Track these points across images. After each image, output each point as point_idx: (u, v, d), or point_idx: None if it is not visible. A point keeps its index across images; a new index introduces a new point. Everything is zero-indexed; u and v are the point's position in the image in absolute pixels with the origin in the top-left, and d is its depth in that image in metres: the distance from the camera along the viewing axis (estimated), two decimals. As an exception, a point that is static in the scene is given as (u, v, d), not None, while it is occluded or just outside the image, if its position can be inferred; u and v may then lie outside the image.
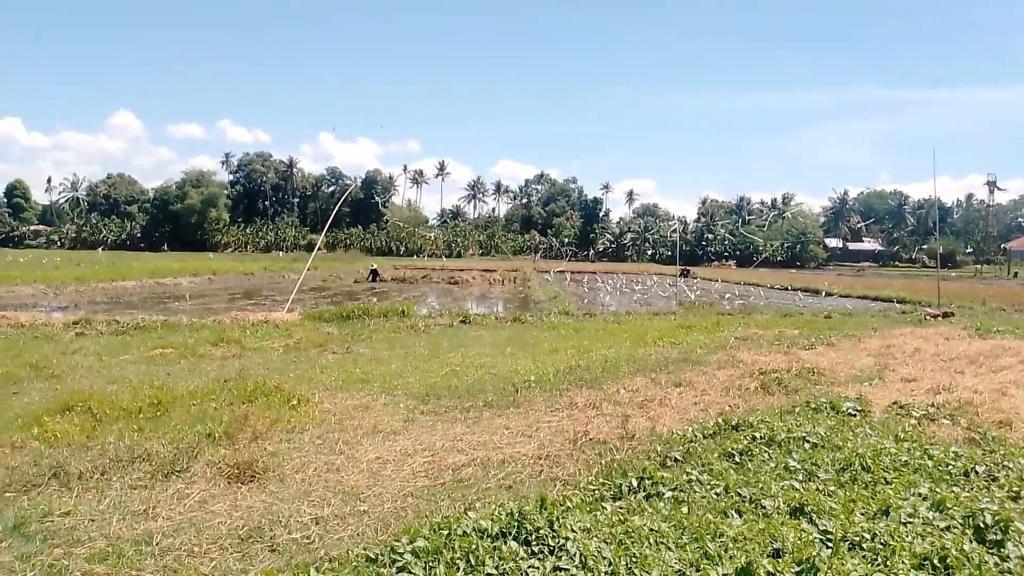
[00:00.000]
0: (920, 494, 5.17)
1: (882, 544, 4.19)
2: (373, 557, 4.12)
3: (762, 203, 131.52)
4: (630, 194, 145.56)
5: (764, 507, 4.90)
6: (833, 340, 15.79)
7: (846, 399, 8.66)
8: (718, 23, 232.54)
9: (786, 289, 41.83)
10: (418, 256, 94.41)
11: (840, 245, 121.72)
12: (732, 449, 6.39)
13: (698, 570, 3.88)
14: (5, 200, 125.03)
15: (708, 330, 18.07)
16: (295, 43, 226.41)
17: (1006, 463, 6.00)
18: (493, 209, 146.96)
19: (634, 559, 3.96)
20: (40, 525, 4.90)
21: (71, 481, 5.72)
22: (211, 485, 5.76)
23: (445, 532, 4.25)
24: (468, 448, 6.94)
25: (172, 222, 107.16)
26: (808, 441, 6.59)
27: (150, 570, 4.31)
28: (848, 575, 3.73)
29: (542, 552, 4.08)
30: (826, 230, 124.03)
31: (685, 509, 4.88)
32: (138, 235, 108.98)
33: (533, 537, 4.21)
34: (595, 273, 60.74)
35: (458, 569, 3.89)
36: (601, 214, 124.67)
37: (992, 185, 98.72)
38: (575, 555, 4.01)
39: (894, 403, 8.80)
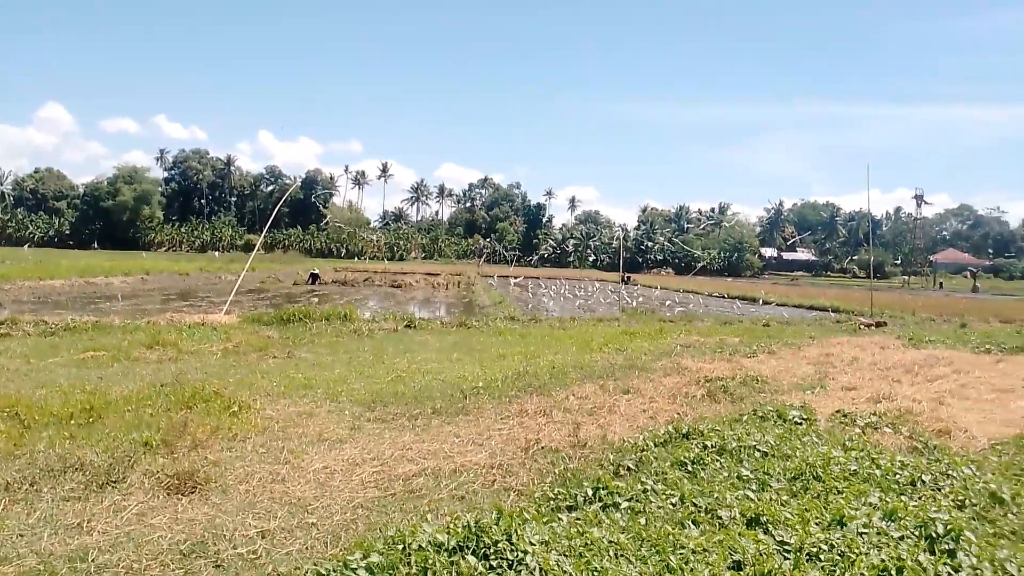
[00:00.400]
0: (871, 503, 5.23)
1: (839, 555, 4.20)
2: (324, 573, 3.95)
3: (700, 212, 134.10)
4: (572, 200, 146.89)
5: (720, 517, 4.88)
6: (773, 348, 16.07)
7: (792, 407, 8.78)
8: (660, 36, 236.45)
9: (723, 297, 42.54)
10: (359, 258, 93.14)
11: (775, 255, 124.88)
12: (684, 458, 6.38)
13: (661, 584, 3.83)
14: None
15: (652, 336, 18.24)
16: (233, 38, 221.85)
17: (950, 472, 6.14)
18: (436, 212, 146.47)
19: (595, 573, 3.88)
20: (-38, 542, 4.58)
21: (-3, 493, 5.38)
22: (149, 496, 5.48)
23: (400, 546, 4.10)
24: (418, 457, 6.79)
25: (103, 219, 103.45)
26: (758, 450, 6.63)
27: (84, 589, 4.06)
28: (810, 588, 3.72)
29: (500, 567, 3.97)
30: (761, 240, 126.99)
31: (643, 520, 4.83)
32: (67, 232, 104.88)
33: (491, 551, 4.08)
34: (539, 278, 60.88)
35: (415, 586, 3.76)
36: (544, 220, 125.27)
37: (920, 199, 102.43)
38: (534, 569, 3.91)
39: (837, 411, 8.96)
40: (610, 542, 4.34)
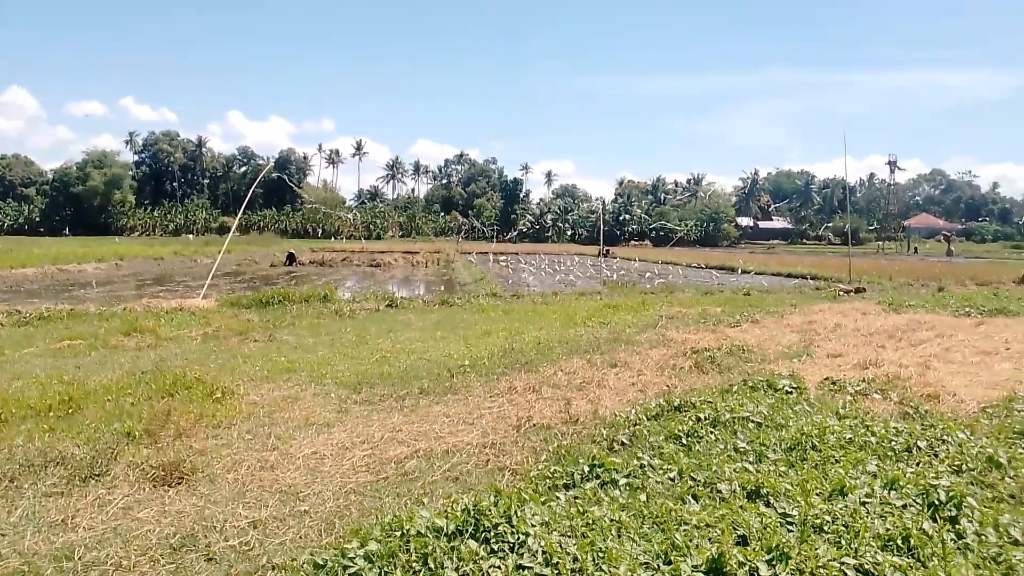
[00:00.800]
0: (870, 471, 5.21)
1: (844, 526, 4.16)
2: (322, 563, 3.84)
3: (676, 183, 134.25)
4: (549, 175, 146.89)
5: (720, 491, 4.83)
6: (756, 317, 16.08)
7: (781, 377, 8.77)
8: (634, 6, 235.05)
9: (702, 267, 42.69)
10: (336, 238, 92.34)
11: (751, 224, 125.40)
12: (678, 431, 6.33)
13: (668, 563, 3.75)
14: None
15: (634, 309, 18.20)
16: (200, 17, 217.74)
17: (944, 437, 6.13)
18: (413, 190, 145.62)
19: (600, 553, 3.80)
20: (-59, 543, 4.42)
21: (-26, 491, 5.20)
22: (135, 489, 5.33)
23: (398, 533, 4.00)
24: (409, 439, 6.67)
25: (74, 205, 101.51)
26: (752, 421, 6.59)
27: (72, 588, 3.92)
28: (819, 560, 3.67)
29: (502, 550, 3.88)
30: (737, 209, 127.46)
31: (643, 496, 4.76)
32: (37, 219, 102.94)
33: (491, 534, 3.99)
34: (518, 254, 60.73)
35: (416, 573, 3.66)
36: (522, 195, 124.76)
37: (893, 165, 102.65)
38: (537, 552, 3.82)
39: (826, 379, 8.97)
40: (611, 520, 4.27)
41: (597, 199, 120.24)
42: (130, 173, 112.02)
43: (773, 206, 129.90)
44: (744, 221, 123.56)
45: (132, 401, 7.93)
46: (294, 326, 14.76)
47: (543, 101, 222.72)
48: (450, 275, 36.64)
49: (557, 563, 3.72)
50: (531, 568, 3.70)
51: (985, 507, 4.64)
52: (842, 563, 3.69)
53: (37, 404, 7.60)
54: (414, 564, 3.72)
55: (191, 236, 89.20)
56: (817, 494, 4.72)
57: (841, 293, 23.44)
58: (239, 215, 32.62)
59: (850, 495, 4.62)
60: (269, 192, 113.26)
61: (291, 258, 44.35)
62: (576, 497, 4.80)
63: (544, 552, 3.81)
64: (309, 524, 4.78)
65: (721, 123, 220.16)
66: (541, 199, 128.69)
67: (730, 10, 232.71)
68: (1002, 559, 3.95)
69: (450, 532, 4.02)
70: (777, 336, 13.25)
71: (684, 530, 4.14)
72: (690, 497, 4.76)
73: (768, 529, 4.10)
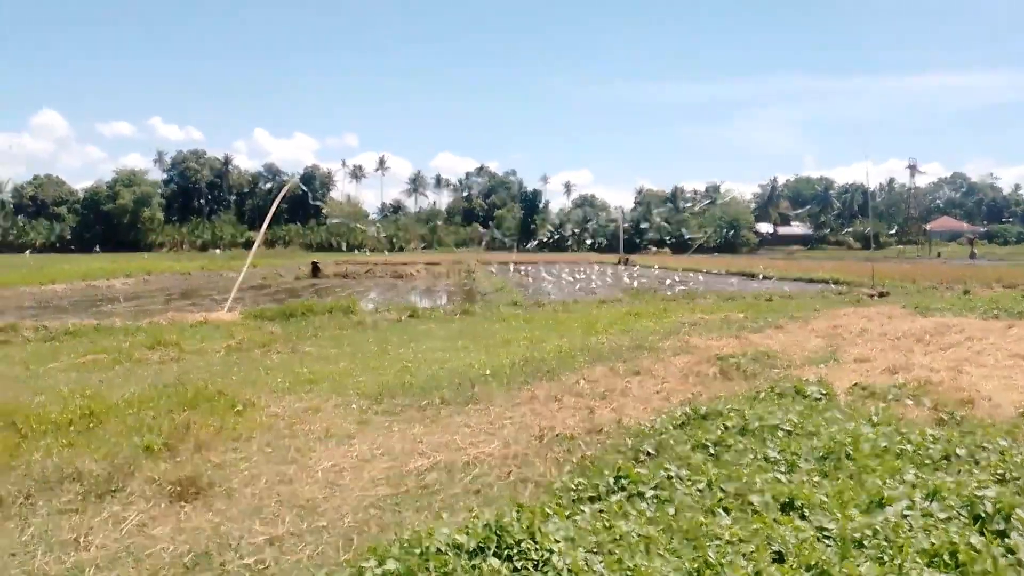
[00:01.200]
0: (908, 481, 4.99)
1: (886, 541, 3.95)
2: (339, 582, 3.71)
3: (694, 191, 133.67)
4: (567, 185, 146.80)
5: (752, 503, 4.64)
6: (780, 322, 15.80)
7: (809, 383, 8.54)
8: (649, 14, 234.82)
9: (722, 274, 42.28)
10: (359, 251, 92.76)
11: (770, 230, 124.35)
12: (705, 440, 6.14)
13: (700, 581, 3.58)
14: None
15: (656, 316, 17.98)
16: (225, 37, 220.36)
17: (984, 444, 5.88)
18: (434, 202, 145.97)
19: (628, 572, 3.63)
20: (-49, 565, 4.34)
21: (-10, 509, 5.13)
22: (151, 505, 5.23)
23: (417, 551, 3.86)
24: (429, 450, 6.54)
25: (104, 223, 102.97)
26: (782, 429, 6.39)
27: (83, 609, 3.82)
28: (860, 579, 3.48)
29: (526, 568, 3.72)
30: (757, 216, 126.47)
31: (671, 509, 4.58)
32: (68, 237, 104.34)
33: (514, 551, 3.84)
34: (538, 263, 60.56)
35: (436, 593, 3.52)
36: (541, 205, 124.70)
37: (913, 169, 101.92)
38: (562, 570, 3.66)
39: (855, 384, 8.72)
40: (639, 536, 4.10)
41: (616, 208, 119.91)
42: (159, 191, 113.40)
43: (792, 213, 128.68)
44: (763, 227, 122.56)
45: (153, 414, 7.85)
46: (316, 337, 14.72)
47: (561, 112, 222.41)
48: (471, 285, 36.55)
49: (583, 582, 3.57)
50: (556, 587, 3.55)
51: (1035, 518, 4.41)
52: (887, 581, 3.50)
53: (58, 419, 7.55)
54: (434, 583, 3.58)
55: (218, 251, 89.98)
56: (854, 506, 4.52)
57: (865, 297, 23.06)
58: (263, 229, 32.73)
59: (890, 507, 4.41)
60: (294, 207, 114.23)
61: (315, 268, 44.58)
62: (601, 511, 4.63)
63: (569, 570, 3.65)
64: (327, 540, 4.65)
65: (738, 130, 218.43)
66: (560, 209, 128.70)
67: (744, 17, 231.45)
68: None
69: (471, 549, 3.87)
70: (802, 341, 12.98)
71: (716, 546, 3.96)
72: (721, 510, 4.58)
73: (805, 545, 3.91)
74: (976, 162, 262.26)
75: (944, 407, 7.50)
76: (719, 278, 39.24)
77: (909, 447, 5.79)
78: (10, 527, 4.87)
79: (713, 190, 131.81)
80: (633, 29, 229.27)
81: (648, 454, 6.06)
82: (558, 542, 3.95)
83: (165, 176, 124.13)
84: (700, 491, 4.96)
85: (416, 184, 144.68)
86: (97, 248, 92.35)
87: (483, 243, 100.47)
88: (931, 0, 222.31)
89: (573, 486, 5.21)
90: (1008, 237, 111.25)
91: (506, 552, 3.84)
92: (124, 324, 16.73)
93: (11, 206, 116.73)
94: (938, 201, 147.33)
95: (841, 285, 29.45)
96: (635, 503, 4.76)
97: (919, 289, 26.74)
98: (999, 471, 5.27)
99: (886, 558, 3.76)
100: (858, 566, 3.61)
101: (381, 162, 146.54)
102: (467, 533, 4.04)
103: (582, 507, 4.74)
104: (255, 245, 29.64)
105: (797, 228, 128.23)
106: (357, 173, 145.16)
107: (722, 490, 4.93)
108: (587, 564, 3.70)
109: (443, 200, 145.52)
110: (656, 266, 53.44)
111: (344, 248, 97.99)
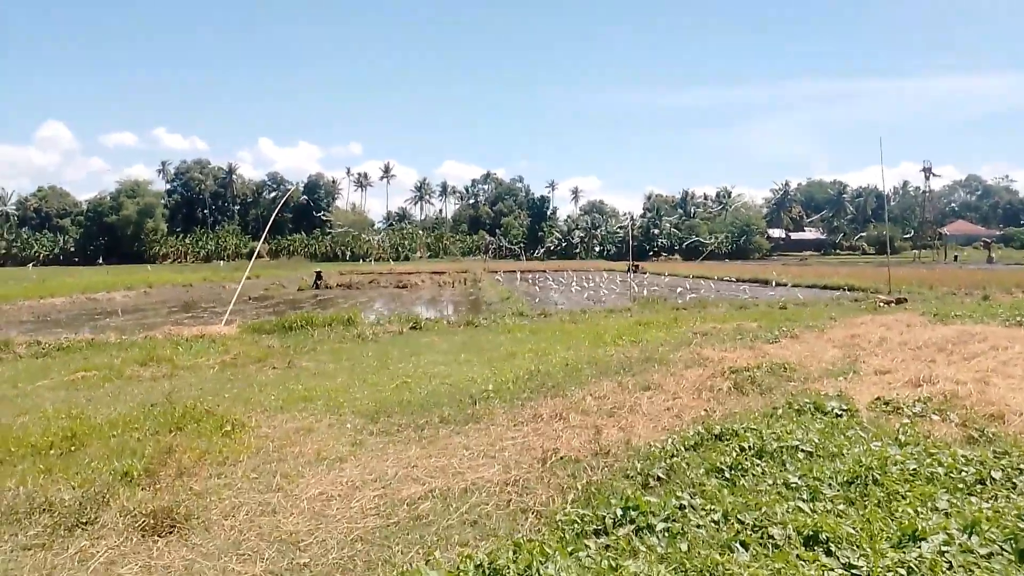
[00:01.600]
0: (940, 509, 4.57)
1: (924, 583, 3.54)
2: (313, 635, 3.31)
3: (705, 196, 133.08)
4: (575, 191, 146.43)
5: (773, 537, 4.22)
6: (795, 332, 15.33)
7: (829, 398, 8.10)
8: (657, 20, 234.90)
9: (734, 281, 41.75)
10: (364, 260, 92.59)
11: (783, 235, 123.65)
12: (720, 463, 5.72)
13: (717, 636, 3.17)
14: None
15: (666, 326, 17.53)
16: (229, 46, 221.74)
17: (1021, 466, 5.44)
18: (440, 210, 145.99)
19: (637, 624, 3.23)
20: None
21: (-49, 546, 4.75)
22: (122, 540, 4.84)
23: (401, 597, 3.47)
24: (424, 476, 6.14)
25: (108, 234, 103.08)
26: (802, 450, 5.96)
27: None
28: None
29: (522, 618, 3.33)
30: (769, 221, 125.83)
31: (684, 546, 4.16)
32: (72, 249, 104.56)
33: (509, 598, 3.44)
34: (546, 272, 60.17)
35: (419, 650, 3.12)
36: (548, 212, 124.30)
37: (928, 172, 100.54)
38: (563, 620, 3.26)
39: (877, 399, 8.27)
40: (649, 578, 3.69)
41: (625, 214, 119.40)
42: (162, 202, 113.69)
43: (806, 219, 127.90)
44: (776, 233, 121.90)
45: (138, 436, 7.52)
46: (315, 351, 14.35)
47: (568, 118, 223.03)
48: (477, 295, 36.18)
49: (586, 635, 3.16)
50: (555, 642, 3.14)
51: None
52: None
53: (39, 441, 7.24)
54: (418, 638, 3.17)
55: (221, 262, 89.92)
56: (885, 539, 4.09)
57: (881, 304, 22.53)
58: (262, 239, 32.58)
59: (924, 542, 3.98)
60: (299, 217, 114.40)
61: (319, 278, 44.25)
62: (608, 546, 4.22)
63: (570, 621, 3.25)
64: (307, 580, 4.26)
65: (749, 135, 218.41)
66: (568, 216, 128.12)
67: (754, 22, 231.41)
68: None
69: (461, 596, 3.47)
70: (819, 352, 12.51)
71: (734, 589, 3.55)
72: (738, 545, 4.16)
73: (833, 587, 3.49)
74: (992, 164, 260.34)
75: (973, 423, 7.05)
76: (731, 285, 38.73)
77: (940, 470, 5.35)
78: (-33, 566, 4.49)
79: (724, 195, 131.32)
80: (642, 34, 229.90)
81: (659, 479, 5.64)
82: (559, 586, 3.54)
83: (169, 187, 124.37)
84: (715, 523, 4.54)
85: (422, 192, 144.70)
86: (100, 261, 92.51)
87: (489, 251, 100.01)
88: (943, 3, 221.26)
89: (577, 518, 4.79)
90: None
91: (500, 600, 3.43)
92: (119, 339, 16.42)
93: (15, 219, 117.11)
94: (953, 204, 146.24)
95: (857, 292, 28.95)
96: (644, 537, 4.35)
97: (937, 295, 26.17)
98: (1041, 498, 4.84)
99: (927, 606, 3.34)
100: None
101: (386, 170, 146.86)
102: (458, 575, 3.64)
103: (587, 542, 4.33)
104: (254, 256, 29.38)
105: (810, 233, 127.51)
106: (362, 181, 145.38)
107: (739, 521, 4.51)
108: (590, 615, 3.29)
109: (449, 208, 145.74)
110: (666, 273, 52.93)
111: (349, 258, 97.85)
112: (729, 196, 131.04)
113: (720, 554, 4.02)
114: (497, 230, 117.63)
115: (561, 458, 6.43)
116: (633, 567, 3.79)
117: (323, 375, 11.52)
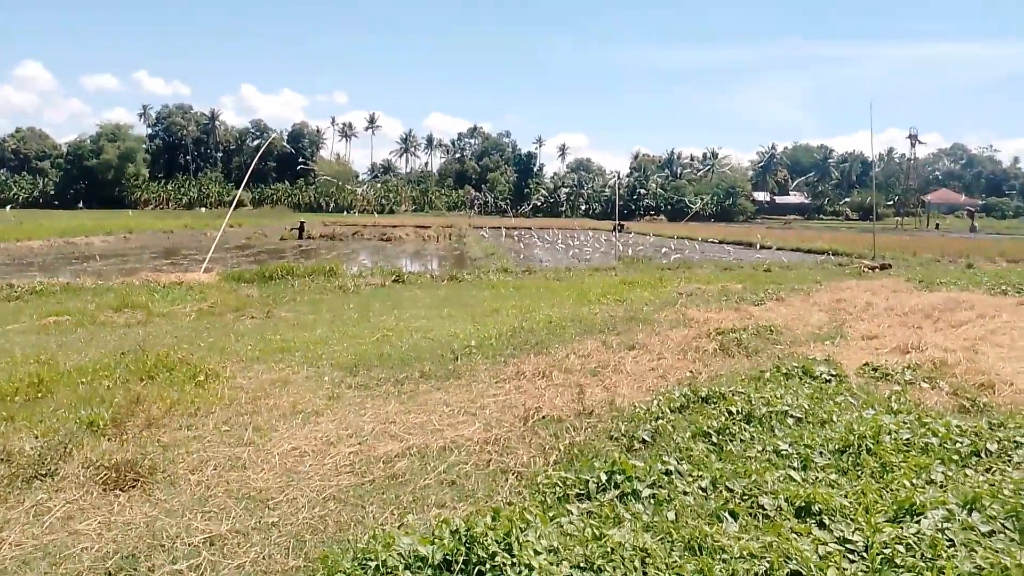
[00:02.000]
0: (935, 481, 4.42)
1: (923, 559, 3.37)
2: (278, 602, 3.11)
3: (692, 157, 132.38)
4: (563, 148, 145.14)
5: (763, 507, 4.06)
6: (781, 295, 15.22)
7: (817, 362, 7.96)
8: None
9: (719, 242, 41.66)
10: (348, 212, 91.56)
11: (768, 199, 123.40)
12: (707, 427, 5.56)
13: (707, 612, 3.00)
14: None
15: (651, 285, 17.37)
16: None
17: (1018, 439, 5.30)
18: (426, 164, 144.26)
19: (622, 597, 3.05)
20: None
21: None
22: (82, 494, 4.62)
23: (373, 563, 3.26)
24: (402, 432, 5.93)
25: (88, 178, 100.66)
26: (791, 416, 5.81)
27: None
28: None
29: (499, 588, 3.14)
30: (754, 184, 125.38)
31: (671, 514, 3.99)
32: (52, 192, 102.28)
33: (487, 567, 3.25)
34: (531, 229, 59.78)
35: (390, 621, 2.92)
36: (535, 169, 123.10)
37: (914, 139, 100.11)
38: (544, 593, 3.08)
39: (865, 364, 8.15)
40: (634, 548, 3.50)
41: (612, 173, 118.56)
42: (143, 147, 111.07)
43: (792, 182, 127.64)
44: (761, 196, 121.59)
45: (108, 384, 7.26)
46: (295, 302, 14.07)
47: (556, 74, 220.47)
48: (461, 250, 35.85)
49: (568, 609, 2.98)
50: (535, 615, 2.95)
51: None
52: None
53: (3, 387, 6.96)
54: (389, 607, 2.98)
55: (204, 209, 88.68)
56: (881, 513, 3.93)
57: (866, 270, 22.48)
58: (242, 186, 31.91)
59: (923, 517, 3.81)
60: (282, 166, 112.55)
61: (302, 229, 43.65)
62: (591, 512, 4.04)
63: (552, 593, 3.06)
64: (276, 541, 4.05)
65: (737, 96, 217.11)
66: (555, 173, 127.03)
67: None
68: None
69: (436, 563, 3.28)
70: (805, 316, 12.39)
71: (723, 561, 3.37)
72: (727, 514, 3.99)
73: (827, 561, 3.33)
74: (978, 133, 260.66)
75: (964, 392, 6.93)
76: (716, 247, 38.64)
77: (934, 440, 5.20)
78: (-84, 519, 4.25)
79: (711, 157, 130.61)
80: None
81: (644, 442, 5.48)
82: (539, 554, 3.37)
83: (150, 132, 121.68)
84: (703, 490, 4.38)
85: (407, 144, 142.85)
86: (81, 205, 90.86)
87: (475, 206, 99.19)
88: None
89: (559, 481, 4.60)
90: (1006, 210, 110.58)
91: (477, 569, 3.24)
92: (95, 284, 16.03)
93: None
94: (937, 173, 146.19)
95: (841, 256, 28.91)
96: (629, 504, 4.17)
97: (921, 262, 26.18)
98: (1038, 471, 4.70)
99: (927, 584, 3.18)
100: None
101: (371, 120, 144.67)
102: (433, 542, 3.44)
103: (569, 507, 4.15)
104: (234, 203, 28.86)
105: (794, 198, 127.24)
106: (347, 132, 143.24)
107: (728, 489, 4.35)
108: (573, 587, 3.11)
109: (435, 162, 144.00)
110: (652, 234, 52.73)
111: (332, 209, 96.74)
112: (715, 157, 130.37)
113: (708, 524, 3.85)
114: (483, 185, 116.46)
115: (543, 417, 6.25)
116: (617, 536, 3.60)
117: (302, 326, 11.26)
